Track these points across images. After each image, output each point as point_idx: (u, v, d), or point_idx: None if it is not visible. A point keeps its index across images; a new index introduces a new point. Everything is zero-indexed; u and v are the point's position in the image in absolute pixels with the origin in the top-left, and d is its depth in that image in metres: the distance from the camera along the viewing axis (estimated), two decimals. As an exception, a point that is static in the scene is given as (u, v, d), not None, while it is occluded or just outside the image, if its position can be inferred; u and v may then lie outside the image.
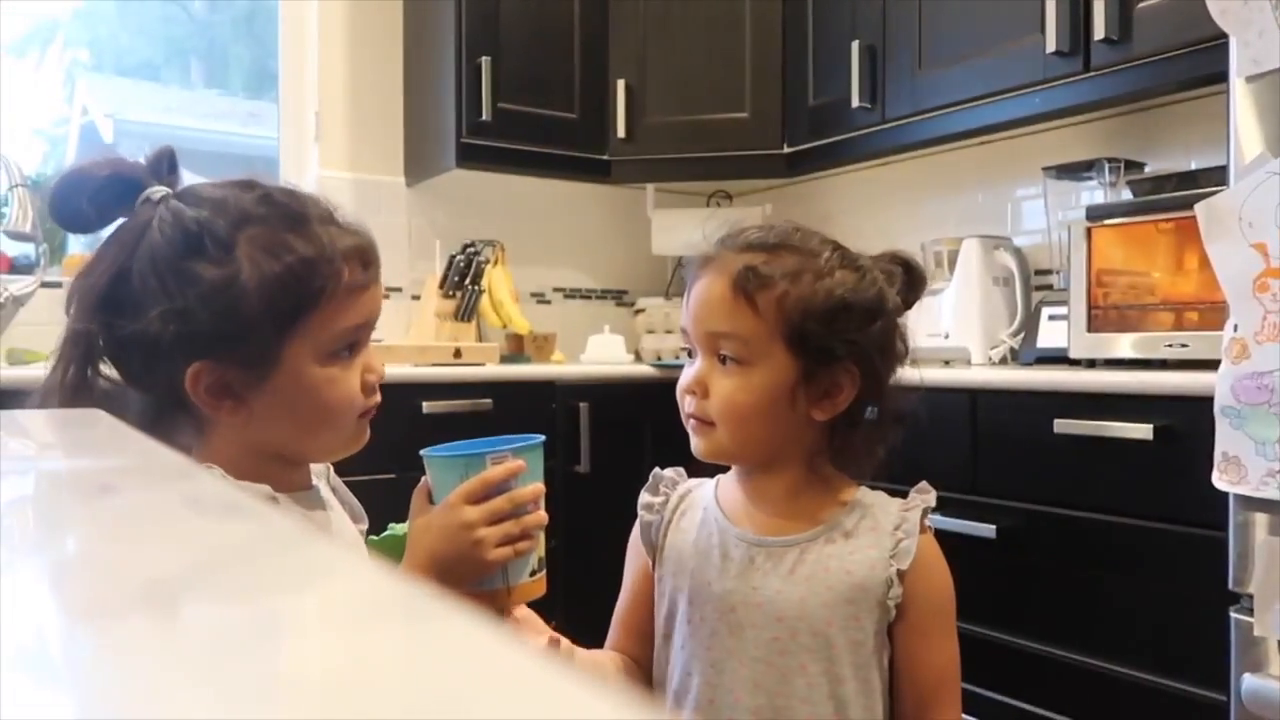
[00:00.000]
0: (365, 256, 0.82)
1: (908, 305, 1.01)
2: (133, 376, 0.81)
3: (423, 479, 0.88)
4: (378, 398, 0.86)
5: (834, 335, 0.92)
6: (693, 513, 1.04)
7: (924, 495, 0.99)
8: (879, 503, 0.99)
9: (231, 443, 0.81)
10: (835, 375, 0.94)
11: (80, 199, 0.80)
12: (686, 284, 1.00)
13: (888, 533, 0.96)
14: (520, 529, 0.85)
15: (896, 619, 0.95)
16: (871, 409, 0.98)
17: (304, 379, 0.79)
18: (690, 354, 0.99)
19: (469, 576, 0.84)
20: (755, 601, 0.95)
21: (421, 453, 0.88)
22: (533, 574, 0.87)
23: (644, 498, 1.07)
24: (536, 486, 0.87)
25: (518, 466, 0.85)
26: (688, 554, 1.00)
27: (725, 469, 1.04)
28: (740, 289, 0.92)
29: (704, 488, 1.06)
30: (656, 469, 1.09)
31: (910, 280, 1.01)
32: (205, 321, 0.75)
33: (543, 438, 0.89)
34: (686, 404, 0.97)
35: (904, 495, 0.99)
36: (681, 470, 1.09)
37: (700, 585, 0.98)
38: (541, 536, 0.88)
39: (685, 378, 0.97)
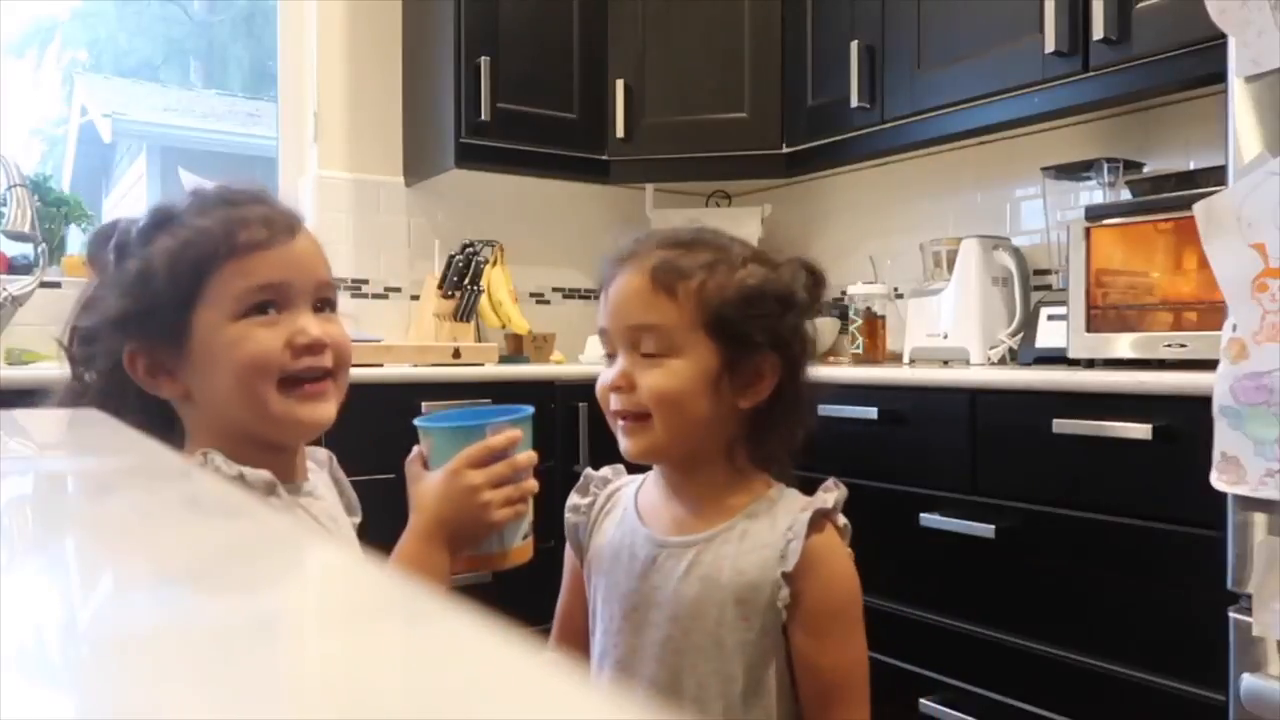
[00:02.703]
0: (270, 221, 0.84)
1: (813, 303, 1.02)
2: (92, 371, 0.87)
3: (415, 448, 0.92)
4: (317, 361, 0.84)
5: (751, 322, 0.94)
6: (616, 512, 1.05)
7: (826, 494, 0.98)
8: (784, 502, 0.99)
9: (199, 431, 0.85)
10: (757, 363, 0.96)
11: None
12: (603, 285, 1.01)
13: (780, 533, 0.95)
14: (520, 494, 0.90)
15: (788, 620, 0.94)
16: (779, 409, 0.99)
17: (214, 340, 0.82)
18: (611, 357, 1.00)
19: (472, 538, 0.89)
20: (655, 601, 0.96)
21: (416, 422, 0.92)
22: (524, 537, 0.93)
23: (572, 499, 1.09)
24: (531, 455, 0.92)
25: (517, 435, 0.90)
26: (606, 554, 1.02)
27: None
28: (659, 281, 0.95)
29: (630, 486, 1.07)
30: (588, 469, 1.11)
31: (813, 280, 1.02)
32: (121, 305, 0.82)
33: (532, 409, 0.94)
34: (612, 402, 0.98)
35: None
36: (619, 468, 1.10)
37: (611, 585, 1.00)
38: (532, 504, 0.93)
39: (606, 378, 0.98)
